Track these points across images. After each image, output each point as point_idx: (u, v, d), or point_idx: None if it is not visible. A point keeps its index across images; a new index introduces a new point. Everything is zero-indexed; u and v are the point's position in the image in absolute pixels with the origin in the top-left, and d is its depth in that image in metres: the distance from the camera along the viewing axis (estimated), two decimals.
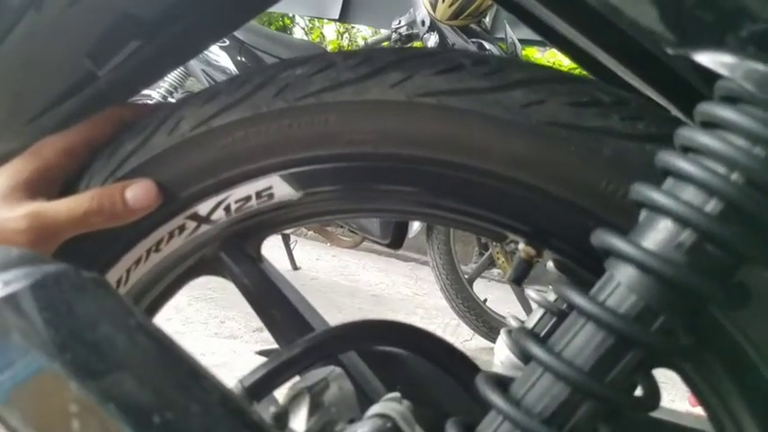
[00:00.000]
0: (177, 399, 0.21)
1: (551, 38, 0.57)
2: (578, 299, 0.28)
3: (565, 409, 0.28)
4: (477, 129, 0.41)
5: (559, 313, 0.47)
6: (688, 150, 0.31)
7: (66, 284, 0.22)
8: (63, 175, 0.49)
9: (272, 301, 0.50)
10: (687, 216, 0.28)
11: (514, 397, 0.29)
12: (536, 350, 0.28)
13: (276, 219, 0.50)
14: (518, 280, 0.49)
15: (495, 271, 3.16)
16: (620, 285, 0.28)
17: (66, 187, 0.49)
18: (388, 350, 0.47)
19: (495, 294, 2.83)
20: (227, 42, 2.36)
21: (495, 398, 0.28)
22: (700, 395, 0.42)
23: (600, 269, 0.32)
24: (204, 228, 0.49)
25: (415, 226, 2.39)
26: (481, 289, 2.71)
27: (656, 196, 0.29)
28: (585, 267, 0.42)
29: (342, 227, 2.70)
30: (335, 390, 0.37)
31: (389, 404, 0.35)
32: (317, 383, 0.35)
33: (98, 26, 0.46)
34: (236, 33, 2.32)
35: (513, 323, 0.52)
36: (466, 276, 2.60)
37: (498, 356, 0.54)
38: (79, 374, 0.19)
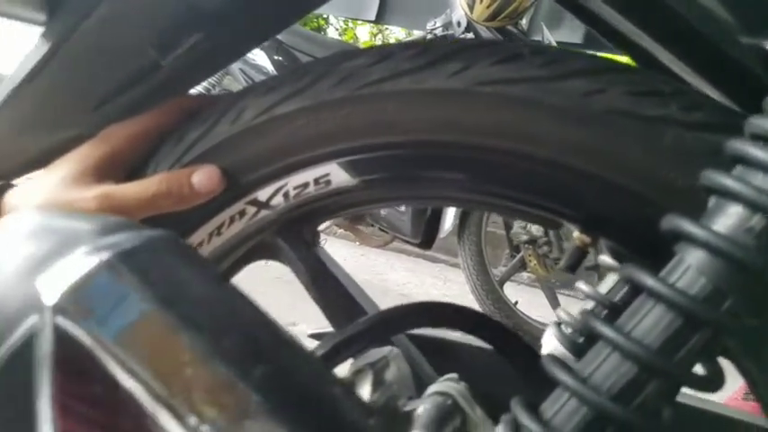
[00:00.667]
0: (272, 353, 0.22)
1: (607, 34, 0.57)
2: (650, 281, 0.28)
3: (632, 387, 0.28)
4: (536, 117, 0.41)
5: (611, 306, 0.47)
6: (758, 138, 0.31)
7: (168, 247, 0.24)
8: (128, 161, 0.51)
9: (327, 285, 0.51)
10: (758, 201, 0.28)
11: (581, 375, 0.29)
12: (605, 330, 0.29)
13: (332, 205, 0.51)
14: (572, 267, 0.49)
15: (525, 275, 3.13)
16: (690, 268, 0.29)
17: (132, 173, 0.51)
18: (441, 335, 0.48)
19: (525, 298, 2.81)
20: (266, 42, 2.40)
21: (563, 375, 0.29)
22: (755, 386, 0.42)
23: (655, 256, 0.32)
24: (263, 213, 0.50)
25: (447, 226, 2.39)
26: (511, 292, 2.69)
27: (729, 182, 0.29)
28: (641, 255, 0.42)
29: (372, 225, 2.70)
30: (395, 369, 0.38)
31: (448, 383, 0.36)
32: (378, 360, 0.36)
33: (164, 16, 0.48)
34: None
35: (564, 316, 0.52)
36: (496, 279, 2.59)
37: (546, 348, 0.54)
38: (187, 327, 0.21)
